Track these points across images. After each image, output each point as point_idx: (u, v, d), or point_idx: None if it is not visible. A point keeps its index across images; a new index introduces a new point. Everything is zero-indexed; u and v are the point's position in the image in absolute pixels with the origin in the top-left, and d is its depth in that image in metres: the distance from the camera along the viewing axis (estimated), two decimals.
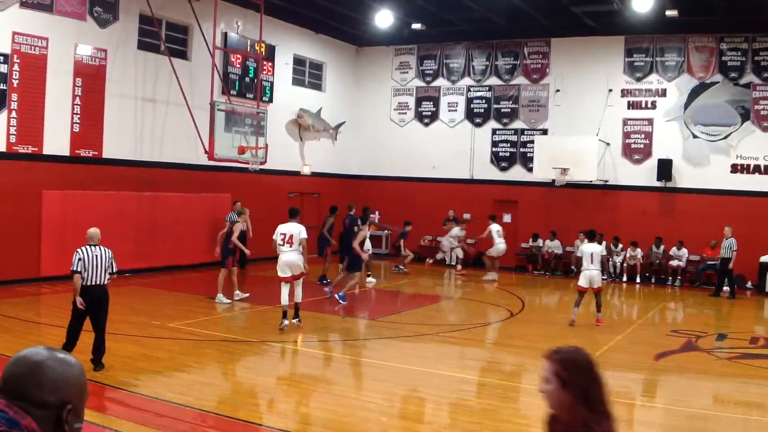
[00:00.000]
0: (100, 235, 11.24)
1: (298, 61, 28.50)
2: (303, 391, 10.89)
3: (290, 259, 14.75)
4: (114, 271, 11.13)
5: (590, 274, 16.38)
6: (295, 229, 14.82)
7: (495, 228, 24.31)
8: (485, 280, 24.04)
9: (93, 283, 10.83)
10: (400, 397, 10.69)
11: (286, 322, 14.61)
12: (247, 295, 18.03)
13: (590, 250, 16.48)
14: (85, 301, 10.80)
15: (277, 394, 10.75)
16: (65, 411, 2.33)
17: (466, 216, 28.03)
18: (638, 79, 26.07)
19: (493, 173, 28.55)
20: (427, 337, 14.98)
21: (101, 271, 10.87)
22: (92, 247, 10.93)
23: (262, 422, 9.26)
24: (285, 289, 14.79)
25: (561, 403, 3.44)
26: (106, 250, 11.02)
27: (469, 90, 29.10)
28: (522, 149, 27.95)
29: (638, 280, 25.06)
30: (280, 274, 14.84)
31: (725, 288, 22.34)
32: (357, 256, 18.21)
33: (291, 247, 14.73)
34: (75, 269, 10.78)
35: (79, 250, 10.91)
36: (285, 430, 8.74)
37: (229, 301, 17.48)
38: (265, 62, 25.37)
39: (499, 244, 24.23)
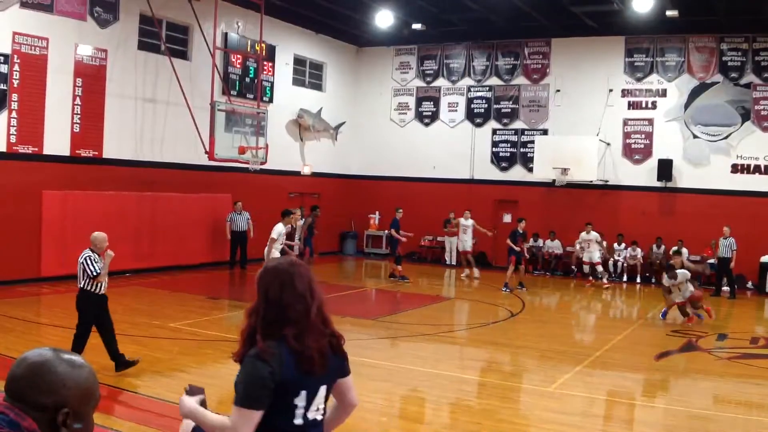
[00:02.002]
0: (98, 239, 10.71)
1: (299, 62, 28.50)
2: None
3: (275, 255, 16.53)
4: (85, 275, 10.51)
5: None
6: (274, 229, 16.60)
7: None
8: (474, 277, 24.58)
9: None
10: (400, 397, 10.69)
11: None
12: None
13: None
14: None
15: None
16: (60, 414, 2.31)
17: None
18: (638, 79, 26.08)
19: (494, 173, 28.55)
20: (427, 337, 14.98)
21: (78, 276, 10.67)
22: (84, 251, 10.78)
23: None
24: None
25: (253, 310, 3.55)
26: (83, 254, 10.60)
27: (469, 90, 29.10)
28: (522, 149, 27.94)
29: (638, 280, 25.08)
30: None
31: (725, 288, 22.36)
32: None
33: (276, 243, 16.54)
34: None
35: None
36: None
37: None
38: (265, 62, 25.36)
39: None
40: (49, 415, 2.29)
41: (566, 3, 23.44)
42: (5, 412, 2.26)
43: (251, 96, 24.46)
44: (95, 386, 2.44)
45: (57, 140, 19.36)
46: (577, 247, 24.81)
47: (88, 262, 10.52)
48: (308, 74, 29.23)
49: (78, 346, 10.51)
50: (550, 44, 27.51)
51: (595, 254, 23.80)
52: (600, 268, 23.97)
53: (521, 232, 22.38)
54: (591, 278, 23.94)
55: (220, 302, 18.08)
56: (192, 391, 3.86)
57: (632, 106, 26.20)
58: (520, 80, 28.16)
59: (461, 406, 10.26)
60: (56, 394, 2.31)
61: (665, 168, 25.04)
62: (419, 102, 30.11)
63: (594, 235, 23.78)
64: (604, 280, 23.77)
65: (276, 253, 16.96)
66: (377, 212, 29.97)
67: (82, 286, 10.62)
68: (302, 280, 3.54)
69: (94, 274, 10.48)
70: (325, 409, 3.63)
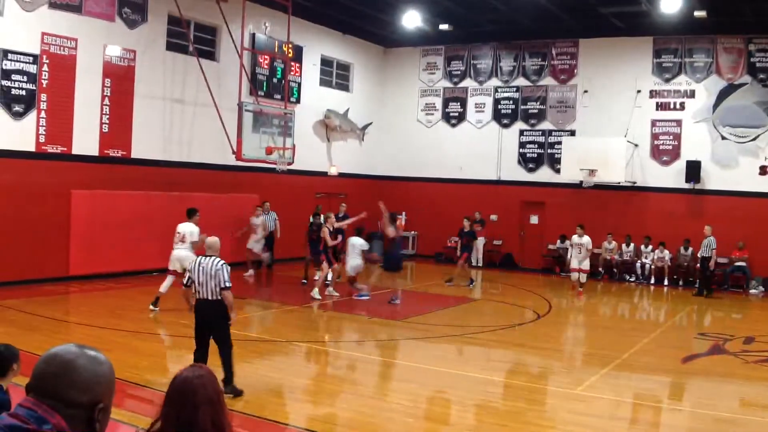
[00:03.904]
0: (216, 244, 10.31)
1: (326, 62, 28.57)
2: (329, 391, 10.92)
3: (179, 255, 15.97)
4: (224, 285, 9.81)
5: None
6: (188, 230, 16.22)
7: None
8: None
9: (200, 298, 9.98)
10: (426, 398, 10.69)
11: (153, 308, 15.65)
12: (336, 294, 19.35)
13: None
14: (195, 316, 10.09)
15: (302, 394, 10.78)
16: (97, 410, 2.35)
17: (493, 217, 27.97)
18: (667, 80, 25.89)
19: (521, 174, 28.44)
20: (453, 338, 14.98)
21: (206, 286, 9.84)
22: (203, 258, 10.11)
23: (288, 422, 9.29)
24: (168, 280, 15.97)
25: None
26: (215, 260, 9.95)
27: (496, 91, 29.03)
28: (549, 150, 27.84)
29: (666, 282, 24.89)
30: (169, 267, 16.24)
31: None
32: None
33: (183, 244, 16.07)
34: (185, 283, 10.24)
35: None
36: (311, 430, 8.78)
37: (320, 297, 18.75)
38: (292, 63, 25.41)
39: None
40: (84, 412, 2.33)
41: (594, 4, 23.35)
42: (33, 408, 2.29)
43: (278, 96, 24.53)
44: (115, 381, 2.49)
45: (86, 140, 19.52)
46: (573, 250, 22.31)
47: (226, 270, 9.89)
48: (335, 75, 29.31)
49: (227, 366, 9.99)
50: (578, 45, 27.38)
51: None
52: (576, 274, 22.02)
53: (467, 230, 22.84)
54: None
55: (246, 302, 18.12)
56: None
57: (660, 107, 26.00)
58: (548, 81, 28.05)
59: (487, 408, 10.25)
60: (92, 391, 2.35)
61: (693, 169, 24.83)
62: (446, 103, 30.09)
63: (585, 239, 21.73)
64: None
65: (190, 254, 15.90)
66: (404, 213, 29.93)
67: (217, 297, 9.90)
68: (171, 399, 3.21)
69: (229, 285, 9.90)
70: None
